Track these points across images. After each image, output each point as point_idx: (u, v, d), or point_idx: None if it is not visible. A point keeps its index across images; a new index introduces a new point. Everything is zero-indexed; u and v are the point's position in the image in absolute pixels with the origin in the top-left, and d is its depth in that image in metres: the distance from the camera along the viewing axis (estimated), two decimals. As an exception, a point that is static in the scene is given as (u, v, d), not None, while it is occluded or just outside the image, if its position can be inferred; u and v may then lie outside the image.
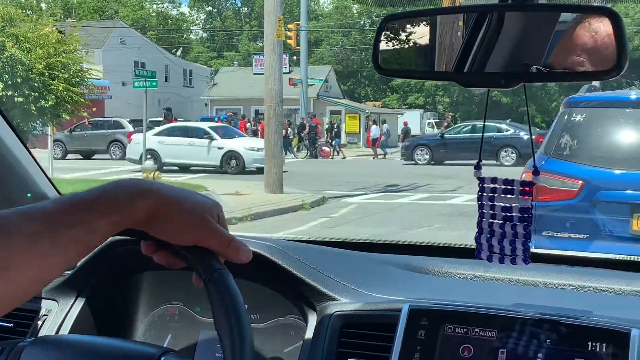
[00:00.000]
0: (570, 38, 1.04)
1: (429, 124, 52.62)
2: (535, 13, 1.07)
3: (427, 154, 27.30)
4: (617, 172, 5.51)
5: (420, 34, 1.17)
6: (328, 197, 15.57)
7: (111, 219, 0.90)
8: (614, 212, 5.47)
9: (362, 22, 61.08)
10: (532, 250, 1.16)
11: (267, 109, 16.22)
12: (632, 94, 6.07)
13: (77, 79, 16.09)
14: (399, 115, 50.65)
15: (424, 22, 1.16)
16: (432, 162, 26.72)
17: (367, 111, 44.86)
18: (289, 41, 31.97)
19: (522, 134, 25.96)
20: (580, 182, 5.55)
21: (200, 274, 0.96)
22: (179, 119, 36.74)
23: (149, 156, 20.20)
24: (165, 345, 1.52)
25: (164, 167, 21.83)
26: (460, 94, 52.05)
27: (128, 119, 31.22)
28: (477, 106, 51.82)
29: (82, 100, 16.04)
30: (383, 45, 1.17)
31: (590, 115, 5.85)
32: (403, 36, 1.17)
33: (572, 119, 5.86)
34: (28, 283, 0.86)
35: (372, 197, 16.19)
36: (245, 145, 22.69)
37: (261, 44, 67.57)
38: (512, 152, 25.20)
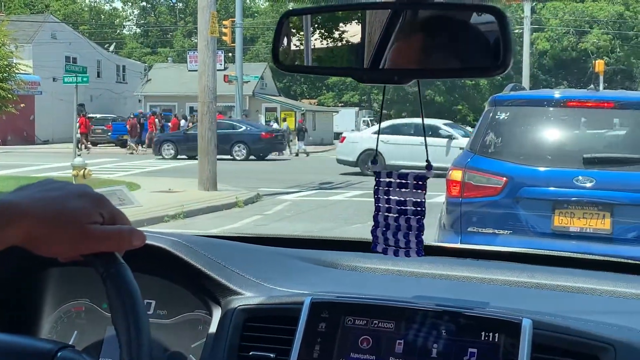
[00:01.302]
0: (460, 36, 1.07)
1: (364, 121, 53.02)
2: (428, 11, 1.09)
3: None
4: (540, 169, 5.65)
5: (320, 30, 1.18)
6: (262, 195, 15.55)
7: None
8: (536, 208, 5.61)
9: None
10: (441, 244, 1.18)
11: (200, 105, 16.10)
12: (556, 93, 6.24)
13: (5, 74, 15.72)
14: (334, 113, 50.91)
15: (324, 18, 1.17)
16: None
17: (302, 109, 44.97)
18: (224, 38, 31.79)
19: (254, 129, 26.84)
20: (504, 179, 5.68)
21: (98, 270, 0.95)
22: (91, 115, 36.18)
23: (78, 152, 19.78)
24: (71, 342, 1.50)
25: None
26: (395, 92, 52.58)
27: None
28: (412, 104, 52.42)
29: (9, 96, 15.68)
30: (283, 41, 1.18)
31: (514, 113, 5.99)
32: (303, 32, 1.18)
33: (497, 117, 5.98)
34: None
35: (307, 195, 16.23)
36: None
37: (196, 41, 66.45)
38: (243, 148, 26.65)
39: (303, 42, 1.18)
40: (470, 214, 5.73)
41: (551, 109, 5.92)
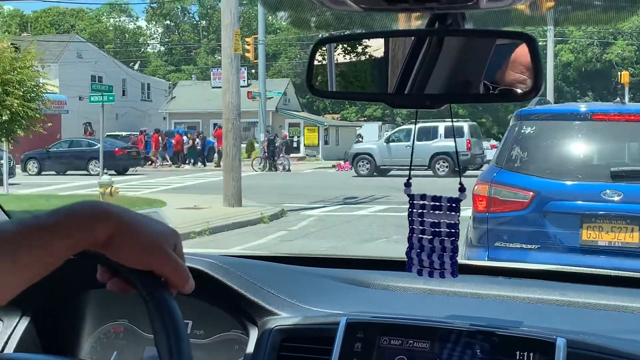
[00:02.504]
0: (492, 62, 1.09)
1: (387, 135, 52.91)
2: (458, 38, 1.12)
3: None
4: (567, 183, 5.63)
5: (353, 57, 1.21)
6: (287, 210, 15.59)
7: (70, 242, 0.92)
8: (564, 222, 5.58)
9: (319, 35, 61.43)
10: (472, 262, 1.20)
11: (225, 122, 16.21)
12: (582, 107, 6.21)
13: (33, 95, 15.92)
14: (357, 128, 50.94)
15: (356, 46, 1.20)
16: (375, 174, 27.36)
17: (325, 123, 45.04)
18: (247, 54, 32.00)
19: None
20: (531, 193, 5.66)
21: (141, 292, 0.98)
22: (117, 133, 36.74)
23: (106, 171, 19.99)
24: None
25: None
26: (418, 106, 52.39)
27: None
28: (434, 117, 52.33)
29: (37, 115, 15.88)
30: (317, 67, 1.21)
31: (540, 127, 5.97)
32: (336, 59, 1.21)
33: (523, 131, 5.98)
34: None
35: (331, 210, 16.24)
36: None
37: (219, 58, 67.10)
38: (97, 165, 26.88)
39: (335, 68, 1.21)
40: (497, 229, 5.72)
41: (577, 122, 5.90)
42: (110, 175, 22.41)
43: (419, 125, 28.70)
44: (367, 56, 1.19)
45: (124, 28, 68.77)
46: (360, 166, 28.04)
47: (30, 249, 0.90)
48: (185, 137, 35.66)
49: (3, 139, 16.06)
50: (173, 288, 0.99)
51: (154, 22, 71.99)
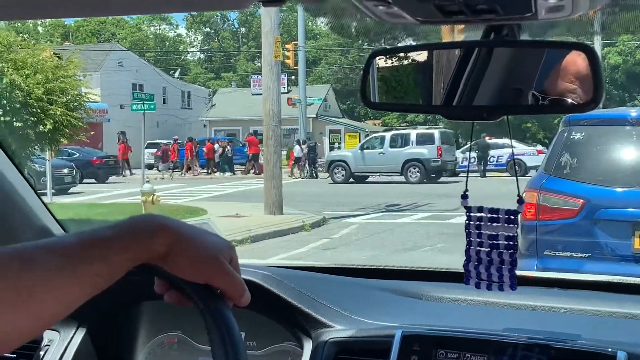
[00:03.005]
0: (550, 73, 1.09)
1: (429, 142, 52.60)
2: (517, 49, 1.13)
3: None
4: (617, 190, 5.54)
5: (408, 68, 1.22)
6: (329, 218, 15.62)
7: (130, 255, 0.95)
8: (615, 230, 5.50)
9: (360, 41, 61.50)
10: (526, 273, 1.20)
11: (265, 129, 16.31)
12: (632, 112, 6.12)
13: (76, 104, 16.18)
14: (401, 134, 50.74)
15: (412, 57, 1.22)
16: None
17: (366, 130, 44.99)
18: (287, 61, 32.18)
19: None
20: (581, 200, 5.59)
21: (198, 304, 1.01)
22: (157, 141, 37.24)
23: (147, 179, 20.25)
24: None
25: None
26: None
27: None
28: (479, 123, 51.83)
29: (80, 124, 16.12)
30: (371, 80, 1.23)
31: (589, 133, 5.90)
32: (391, 71, 1.23)
33: (572, 137, 5.90)
34: (47, 315, 0.91)
35: (373, 217, 16.22)
36: None
37: (259, 65, 67.71)
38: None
39: (389, 80, 1.23)
40: (547, 237, 5.65)
41: (627, 127, 5.81)
42: (88, 184, 22.98)
43: (391, 132, 30.23)
44: (420, 67, 1.20)
45: (164, 36, 69.65)
46: (335, 173, 28.74)
47: (91, 262, 0.93)
48: (216, 145, 36.08)
49: (47, 148, 16.37)
50: (229, 300, 1.01)
51: (194, 30, 72.81)
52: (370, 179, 28.72)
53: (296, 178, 31.84)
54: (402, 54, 1.23)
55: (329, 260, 11.18)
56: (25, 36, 23.35)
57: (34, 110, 15.19)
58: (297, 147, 33.87)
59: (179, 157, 35.52)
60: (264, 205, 16.16)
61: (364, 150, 28.77)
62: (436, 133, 28.17)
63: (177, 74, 56.95)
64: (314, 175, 32.56)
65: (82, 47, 40.62)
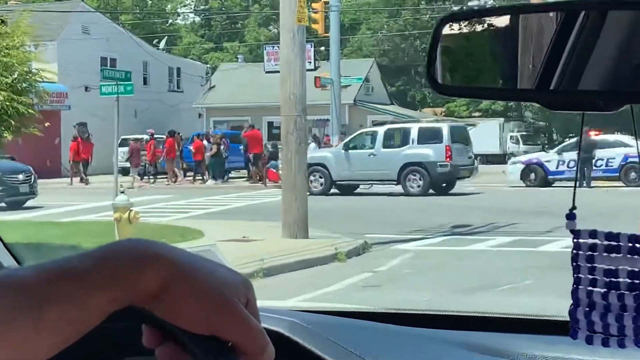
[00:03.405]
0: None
1: (512, 138, 52.54)
2: (624, 14, 1.12)
3: None
4: None
5: (492, 40, 1.23)
6: (371, 243, 15.62)
7: (109, 295, 0.94)
8: None
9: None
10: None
11: (284, 121, 16.37)
12: None
13: (24, 84, 16.37)
14: (469, 127, 50.65)
15: (497, 24, 1.22)
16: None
17: (424, 121, 44.96)
18: (314, 26, 32.35)
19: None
20: None
21: (199, 357, 1.01)
22: (137, 137, 37.47)
23: (121, 188, 20.40)
24: None
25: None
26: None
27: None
28: (578, 114, 51.67)
29: (30, 112, 16.29)
30: (441, 56, 1.23)
31: None
32: (468, 43, 1.23)
33: None
34: None
35: (434, 243, 16.19)
36: None
37: (275, 31, 67.91)
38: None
39: (468, 57, 1.23)
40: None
41: None
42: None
43: (385, 127, 30.76)
44: (508, 38, 1.20)
45: (145, -8, 70.33)
46: (311, 181, 28.98)
47: (58, 305, 0.93)
48: (205, 142, 36.18)
49: (-16, 146, 16.57)
50: (246, 357, 1.01)
51: (186, -17, 73.42)
52: (363, 188, 29.31)
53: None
54: (482, 20, 1.24)
55: (373, 302, 11.15)
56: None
57: (-33, 94, 15.40)
58: (312, 145, 33.97)
59: (153, 157, 35.69)
60: (283, 226, 16.21)
61: (350, 151, 29.21)
62: (444, 128, 28.85)
63: (162, 44, 57.41)
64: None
65: (33, 6, 41.12)
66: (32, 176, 24.82)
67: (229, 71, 51.30)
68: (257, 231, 17.04)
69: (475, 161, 30.49)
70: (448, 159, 27.73)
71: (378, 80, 50.06)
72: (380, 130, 29.94)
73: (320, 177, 29.00)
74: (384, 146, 28.92)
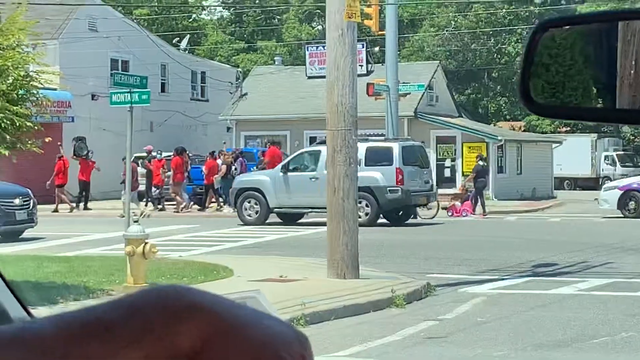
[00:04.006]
0: None
1: (607, 158, 52.18)
2: None
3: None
4: None
5: (597, 50, 1.24)
6: (435, 285, 15.57)
7: (141, 353, 0.96)
8: None
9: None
10: None
11: (330, 136, 16.39)
12: None
13: (21, 92, 16.48)
14: (554, 145, 50.35)
15: (602, 33, 1.23)
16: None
17: (499, 137, 44.80)
18: (366, 22, 32.34)
19: None
20: None
21: None
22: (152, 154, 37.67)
23: (134, 216, 20.50)
24: None
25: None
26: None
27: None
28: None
29: (29, 125, 16.38)
30: (537, 68, 1.25)
31: None
32: (569, 54, 1.25)
33: None
34: None
35: (511, 285, 16.12)
36: None
37: (320, 28, 67.76)
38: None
39: (570, 70, 1.25)
40: None
41: None
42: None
43: (324, 146, 30.28)
44: (623, 51, 1.22)
45: (164, -19, 70.88)
46: (245, 209, 29.72)
47: None
48: (219, 161, 36.27)
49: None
50: None
51: (213, -29, 73.91)
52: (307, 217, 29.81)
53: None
54: (587, 26, 1.25)
55: (437, 357, 11.11)
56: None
57: (-46, 102, 15.54)
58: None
59: (160, 180, 35.94)
60: (328, 263, 16.19)
61: (289, 174, 29.79)
62: (395, 147, 29.27)
63: (184, 44, 57.69)
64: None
65: (31, -1, 41.52)
66: (31, 201, 24.78)
67: (264, 76, 51.34)
68: (296, 269, 17.05)
69: (434, 186, 31.16)
70: (399, 184, 28.39)
71: (444, 87, 49.90)
72: (324, 150, 30.17)
73: (256, 204, 29.88)
74: (325, 167, 28.96)
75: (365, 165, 28.58)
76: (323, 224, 27.52)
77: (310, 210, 29.15)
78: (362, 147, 29.41)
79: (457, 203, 33.98)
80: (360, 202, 27.43)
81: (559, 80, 1.25)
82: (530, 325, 12.62)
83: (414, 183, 28.67)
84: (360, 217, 27.20)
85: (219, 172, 35.25)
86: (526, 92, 1.26)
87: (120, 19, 48.96)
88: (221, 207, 35.38)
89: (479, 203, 33.47)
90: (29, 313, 1.96)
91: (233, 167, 35.69)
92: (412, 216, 29.29)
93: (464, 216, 32.80)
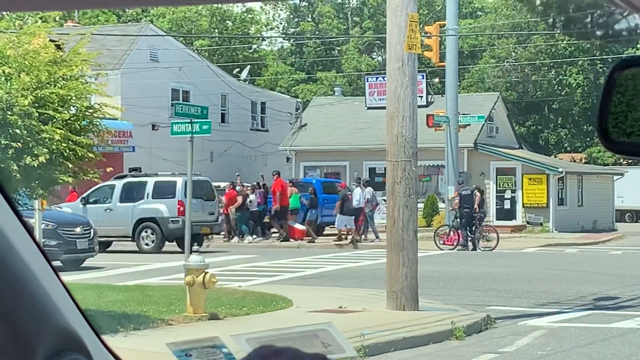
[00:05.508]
0: None
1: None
2: None
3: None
4: None
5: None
6: (495, 318, 15.49)
7: None
8: None
9: (550, 21, 61.23)
10: None
11: (390, 167, 16.38)
12: None
13: (84, 122, 16.59)
14: (616, 177, 50.00)
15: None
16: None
17: (560, 169, 44.58)
18: (427, 54, 32.42)
19: None
20: None
21: None
22: (215, 184, 37.87)
23: (195, 247, 20.62)
24: None
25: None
26: None
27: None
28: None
29: (91, 155, 16.49)
30: (616, 106, 1.24)
31: None
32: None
33: None
34: None
35: (572, 318, 16.00)
36: None
37: (380, 59, 68.07)
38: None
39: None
40: None
41: None
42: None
43: (123, 181, 34.41)
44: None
45: (225, 12, 71.26)
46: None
47: None
48: (252, 197, 36.67)
49: (37, 192, 16.81)
50: None
51: (274, 3, 74.19)
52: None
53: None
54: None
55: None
56: (5, 14, 24.27)
57: (18, 131, 15.66)
58: (357, 190, 34.81)
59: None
60: (387, 294, 16.16)
61: (88, 205, 32.73)
62: (179, 182, 31.87)
63: (244, 74, 58.06)
64: (468, 242, 32.44)
65: (93, 29, 41.99)
66: (92, 230, 25.30)
67: (324, 107, 51.50)
68: (355, 300, 17.03)
69: (220, 217, 34.84)
70: (180, 214, 30.41)
71: (504, 119, 49.76)
72: (119, 184, 33.42)
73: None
74: (121, 200, 32.96)
75: (152, 197, 32.75)
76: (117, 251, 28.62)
77: (106, 238, 31.55)
78: (150, 182, 33.38)
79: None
80: (146, 232, 32.32)
81: (638, 117, 1.24)
82: (595, 358, 12.54)
83: (196, 214, 29.50)
84: (147, 245, 32.06)
85: (235, 203, 35.69)
86: (604, 131, 1.25)
87: (181, 49, 49.42)
88: (232, 236, 36.38)
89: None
90: (103, 342, 1.97)
91: (248, 199, 36.44)
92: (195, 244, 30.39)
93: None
